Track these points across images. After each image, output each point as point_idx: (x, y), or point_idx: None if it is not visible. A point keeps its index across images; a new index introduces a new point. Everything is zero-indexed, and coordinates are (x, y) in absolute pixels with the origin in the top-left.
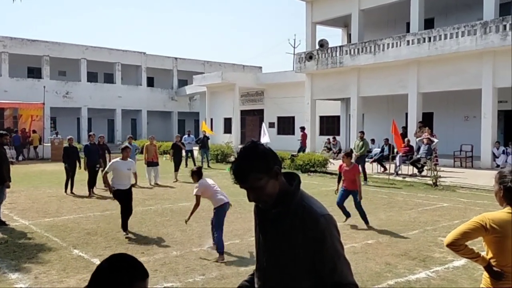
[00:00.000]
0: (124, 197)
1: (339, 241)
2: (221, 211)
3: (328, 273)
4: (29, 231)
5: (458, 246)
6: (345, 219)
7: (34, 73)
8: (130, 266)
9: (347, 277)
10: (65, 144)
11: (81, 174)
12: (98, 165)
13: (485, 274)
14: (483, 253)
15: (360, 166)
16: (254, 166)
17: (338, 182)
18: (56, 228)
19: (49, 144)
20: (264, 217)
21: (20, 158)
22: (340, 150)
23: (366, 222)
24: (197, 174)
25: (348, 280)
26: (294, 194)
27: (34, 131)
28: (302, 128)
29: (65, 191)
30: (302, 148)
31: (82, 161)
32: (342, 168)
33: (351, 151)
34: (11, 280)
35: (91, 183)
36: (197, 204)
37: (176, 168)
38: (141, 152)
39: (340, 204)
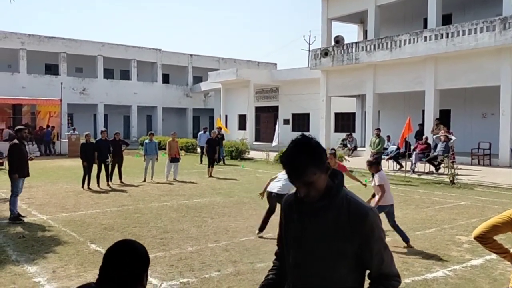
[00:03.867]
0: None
1: (384, 233)
2: None
3: (375, 265)
4: (47, 226)
5: (486, 239)
6: None
7: (52, 69)
8: (140, 258)
9: (392, 268)
10: (83, 141)
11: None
12: (108, 160)
13: None
14: None
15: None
16: (311, 161)
17: None
18: (74, 223)
19: (66, 140)
20: (304, 211)
21: (38, 153)
22: (355, 147)
23: None
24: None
25: (394, 272)
26: (339, 188)
27: (52, 127)
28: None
29: (82, 186)
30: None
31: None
32: None
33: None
34: (30, 274)
35: (107, 177)
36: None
37: (209, 163)
38: (164, 148)
39: None
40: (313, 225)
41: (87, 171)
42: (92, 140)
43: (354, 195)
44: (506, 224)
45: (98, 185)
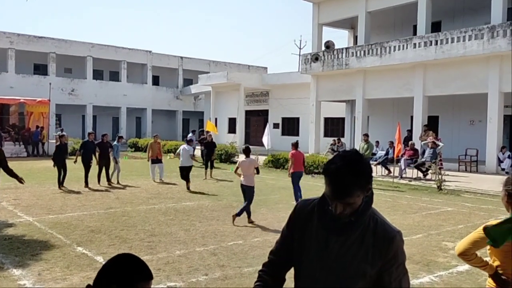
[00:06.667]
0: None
1: (405, 258)
2: None
3: None
4: (33, 228)
5: (469, 255)
6: None
7: (40, 69)
8: (133, 266)
9: None
10: (57, 143)
11: (82, 170)
12: (91, 161)
13: (489, 280)
14: (490, 261)
15: None
16: (359, 184)
17: None
18: (60, 225)
19: (54, 141)
20: (329, 226)
21: (25, 154)
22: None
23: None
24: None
25: None
26: (368, 206)
27: (41, 128)
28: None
29: (59, 187)
30: None
31: (75, 156)
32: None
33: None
34: (15, 276)
35: (85, 178)
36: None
37: (206, 166)
38: (145, 150)
39: None
40: (337, 241)
41: (61, 171)
42: (67, 141)
43: (381, 215)
44: (484, 238)
45: (86, 186)
